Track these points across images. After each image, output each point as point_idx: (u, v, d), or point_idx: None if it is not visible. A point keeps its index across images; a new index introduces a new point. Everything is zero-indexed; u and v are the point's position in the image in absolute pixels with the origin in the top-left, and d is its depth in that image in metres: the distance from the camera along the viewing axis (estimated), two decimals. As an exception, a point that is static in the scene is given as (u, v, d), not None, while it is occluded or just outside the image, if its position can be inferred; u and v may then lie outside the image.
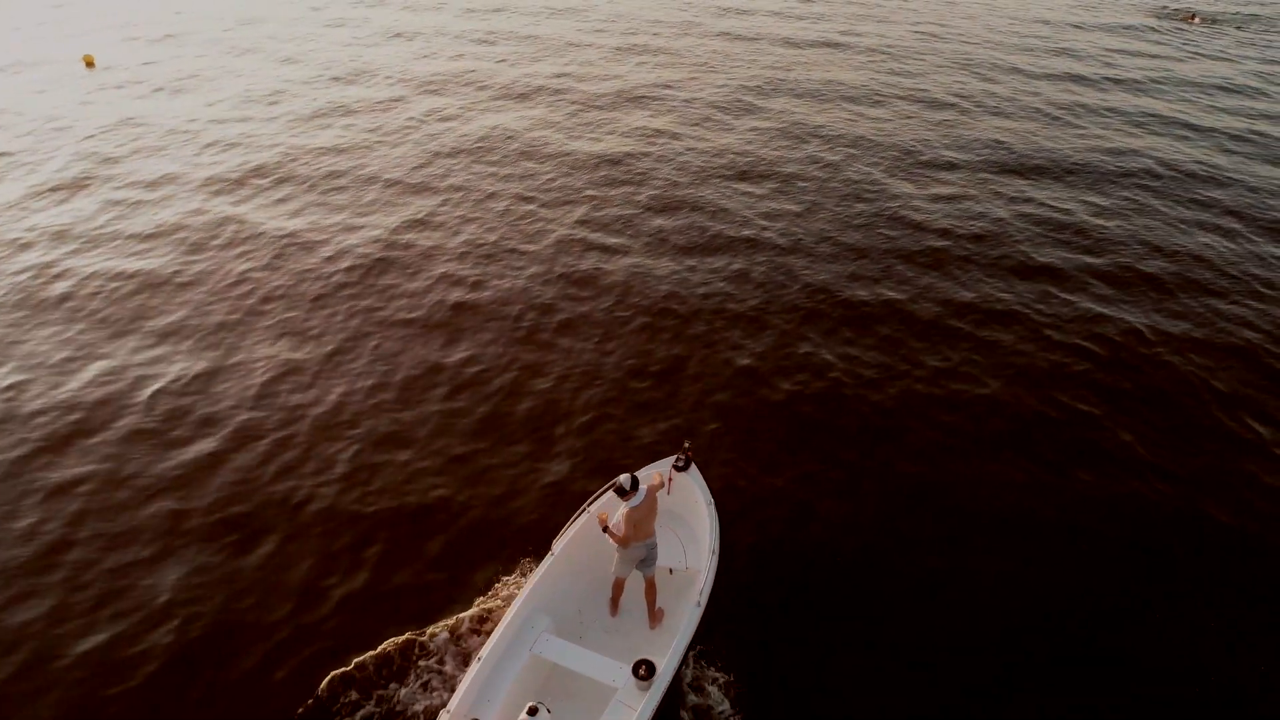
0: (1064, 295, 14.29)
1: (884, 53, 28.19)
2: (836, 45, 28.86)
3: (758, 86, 24.07)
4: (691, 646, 8.09)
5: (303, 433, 10.82)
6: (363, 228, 15.55)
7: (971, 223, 16.64)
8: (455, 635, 8.39)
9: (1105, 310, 13.90)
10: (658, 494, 8.34)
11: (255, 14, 31.59)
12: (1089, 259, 15.44)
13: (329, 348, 12.35)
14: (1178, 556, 9.58)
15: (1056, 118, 22.70)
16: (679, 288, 14.06)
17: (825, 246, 15.51)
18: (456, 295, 13.68)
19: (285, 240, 15.13)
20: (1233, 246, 16.19)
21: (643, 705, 7.31)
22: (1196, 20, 35.53)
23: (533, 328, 12.89)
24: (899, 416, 11.43)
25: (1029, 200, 17.74)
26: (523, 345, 12.54)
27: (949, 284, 14.44)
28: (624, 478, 7.93)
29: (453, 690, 7.61)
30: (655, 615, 8.60)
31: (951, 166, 19.21)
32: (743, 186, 17.79)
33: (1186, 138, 21.63)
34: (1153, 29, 32.88)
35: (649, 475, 9.18)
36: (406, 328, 12.86)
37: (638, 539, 8.14)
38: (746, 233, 15.92)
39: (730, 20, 32.17)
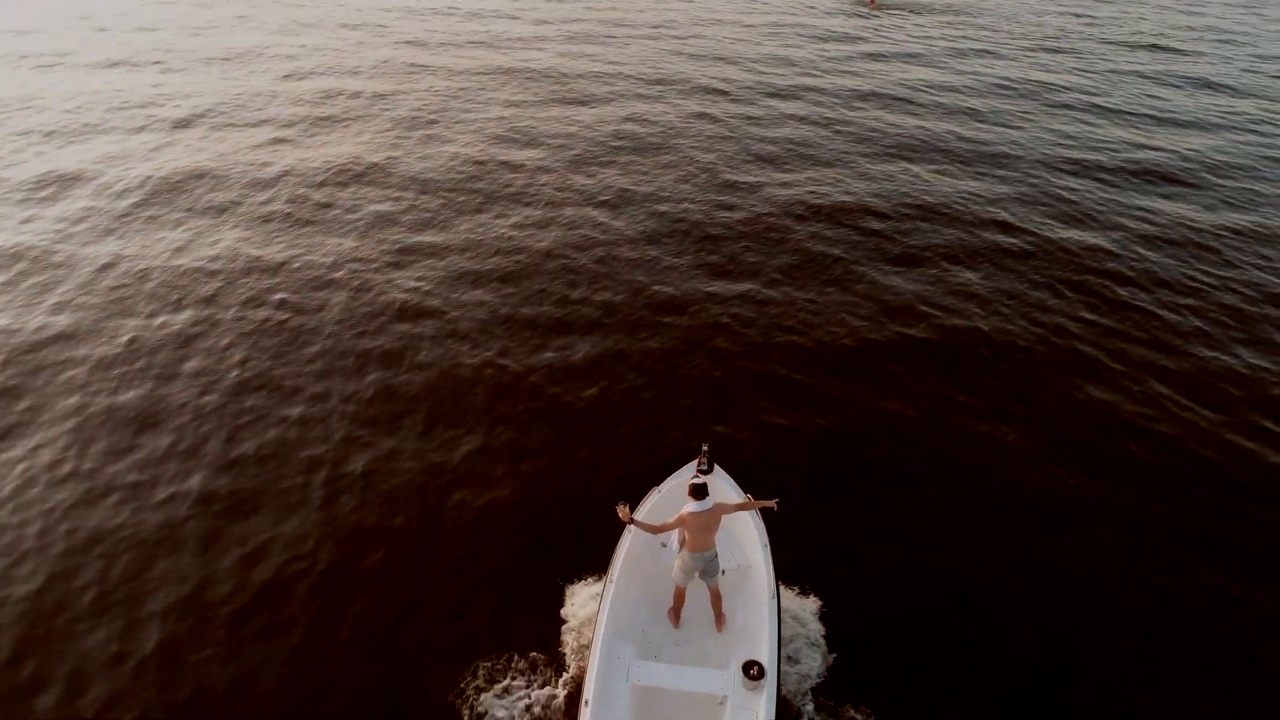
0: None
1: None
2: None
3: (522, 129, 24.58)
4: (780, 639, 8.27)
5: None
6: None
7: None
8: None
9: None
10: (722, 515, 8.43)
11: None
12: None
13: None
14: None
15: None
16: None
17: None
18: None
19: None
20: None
21: (763, 705, 7.41)
22: (874, 5, 39.93)
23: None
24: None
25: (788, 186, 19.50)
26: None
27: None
28: (700, 479, 8.07)
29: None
30: (721, 619, 8.70)
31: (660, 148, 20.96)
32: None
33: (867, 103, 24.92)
34: (843, 15, 36.48)
35: (677, 485, 9.32)
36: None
37: (697, 549, 8.21)
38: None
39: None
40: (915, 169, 20.06)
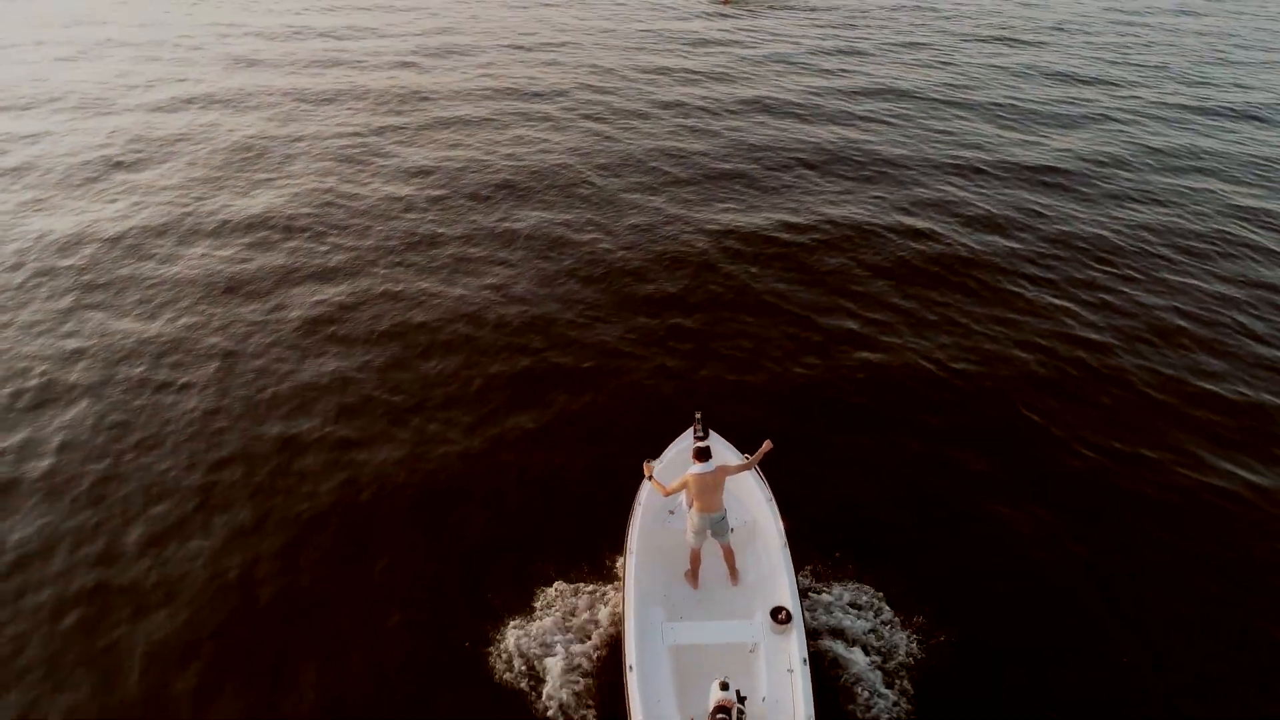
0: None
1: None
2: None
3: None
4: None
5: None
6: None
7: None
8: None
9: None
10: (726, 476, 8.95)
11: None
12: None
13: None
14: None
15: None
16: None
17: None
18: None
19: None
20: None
21: (794, 645, 8.06)
22: (729, 1, 39.97)
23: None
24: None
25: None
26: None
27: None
28: (701, 443, 8.70)
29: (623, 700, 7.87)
30: (735, 574, 9.28)
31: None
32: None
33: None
34: (701, 18, 36.85)
35: (677, 454, 9.86)
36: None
37: (706, 510, 8.75)
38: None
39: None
40: (811, 175, 20.19)
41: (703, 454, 8.81)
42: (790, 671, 8.01)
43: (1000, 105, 25.52)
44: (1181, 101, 26.25)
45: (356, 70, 28.80)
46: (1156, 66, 30.26)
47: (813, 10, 38.25)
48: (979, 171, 20.45)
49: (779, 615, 8.30)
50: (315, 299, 14.83)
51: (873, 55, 30.81)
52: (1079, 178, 20.21)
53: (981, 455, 11.42)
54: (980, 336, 13.92)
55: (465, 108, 24.95)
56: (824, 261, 16.14)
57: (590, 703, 8.25)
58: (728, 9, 38.50)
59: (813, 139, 22.41)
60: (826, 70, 28.93)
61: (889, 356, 13.41)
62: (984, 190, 19.41)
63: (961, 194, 19.15)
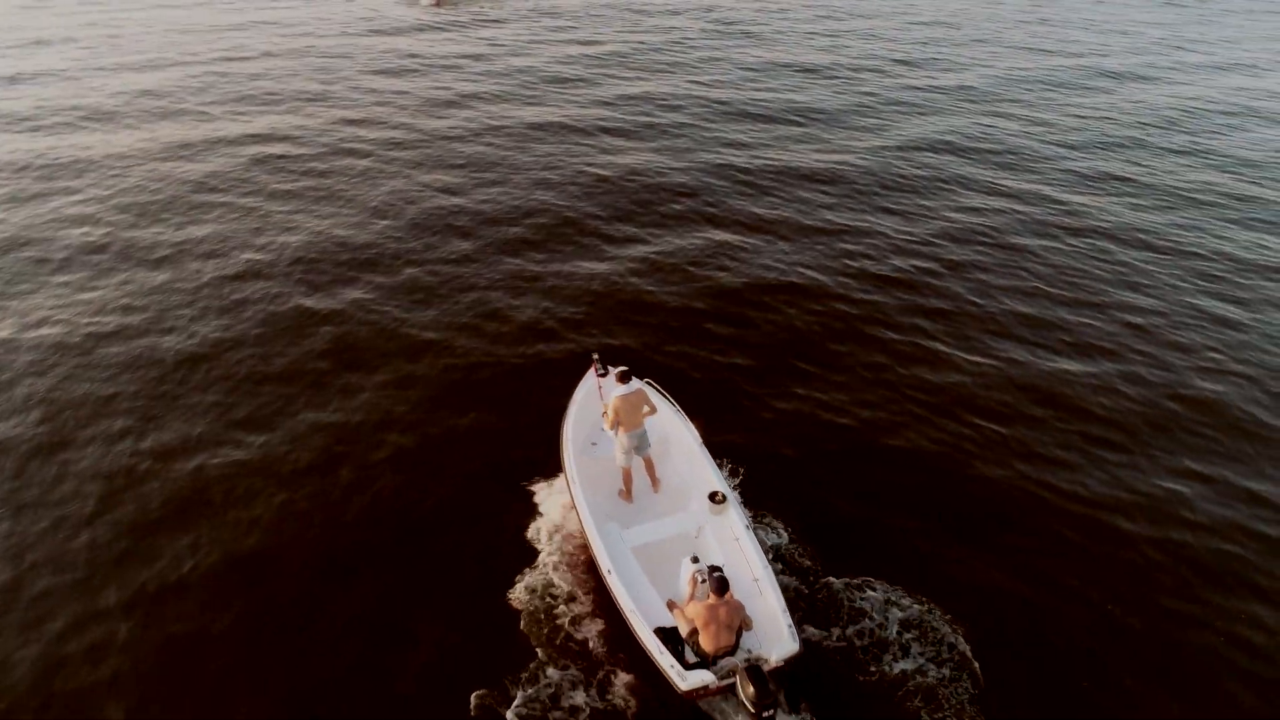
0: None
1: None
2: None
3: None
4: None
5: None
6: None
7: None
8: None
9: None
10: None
11: None
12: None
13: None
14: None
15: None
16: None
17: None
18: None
19: None
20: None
21: (735, 519, 9.75)
22: (439, 1, 40.47)
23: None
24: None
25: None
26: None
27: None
28: (621, 369, 10.09)
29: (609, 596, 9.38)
30: (657, 481, 10.77)
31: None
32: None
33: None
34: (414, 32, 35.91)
35: (586, 395, 11.15)
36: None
37: (632, 428, 10.17)
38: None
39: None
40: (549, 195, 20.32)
41: (625, 377, 10.16)
42: (737, 540, 9.65)
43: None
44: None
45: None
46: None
47: (537, 12, 39.78)
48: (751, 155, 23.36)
49: (715, 497, 9.89)
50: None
51: (602, 46, 33.13)
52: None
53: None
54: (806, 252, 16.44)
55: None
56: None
57: (586, 597, 9.63)
58: (443, 9, 38.99)
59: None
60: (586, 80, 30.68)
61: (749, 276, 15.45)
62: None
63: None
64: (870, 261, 16.90)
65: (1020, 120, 25.87)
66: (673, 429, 11.27)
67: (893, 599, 9.62)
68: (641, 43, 33.54)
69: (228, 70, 28.53)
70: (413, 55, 30.83)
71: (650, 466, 10.82)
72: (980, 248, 17.74)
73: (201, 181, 19.88)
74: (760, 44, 34.06)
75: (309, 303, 14.89)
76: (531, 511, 10.79)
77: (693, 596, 8.79)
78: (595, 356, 11.60)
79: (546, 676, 8.75)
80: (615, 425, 10.28)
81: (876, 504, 11.11)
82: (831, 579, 9.86)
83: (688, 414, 11.17)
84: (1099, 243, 18.25)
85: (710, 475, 10.47)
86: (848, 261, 16.89)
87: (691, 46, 33.45)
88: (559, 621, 9.34)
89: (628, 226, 17.98)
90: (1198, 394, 13.42)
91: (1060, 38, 37.57)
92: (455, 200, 19.12)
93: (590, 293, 15.44)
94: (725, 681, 8.21)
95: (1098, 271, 16.98)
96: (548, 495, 11.00)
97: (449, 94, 26.36)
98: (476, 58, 30.78)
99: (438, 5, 39.82)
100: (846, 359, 13.93)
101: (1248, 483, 11.67)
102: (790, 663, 8.39)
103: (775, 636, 8.60)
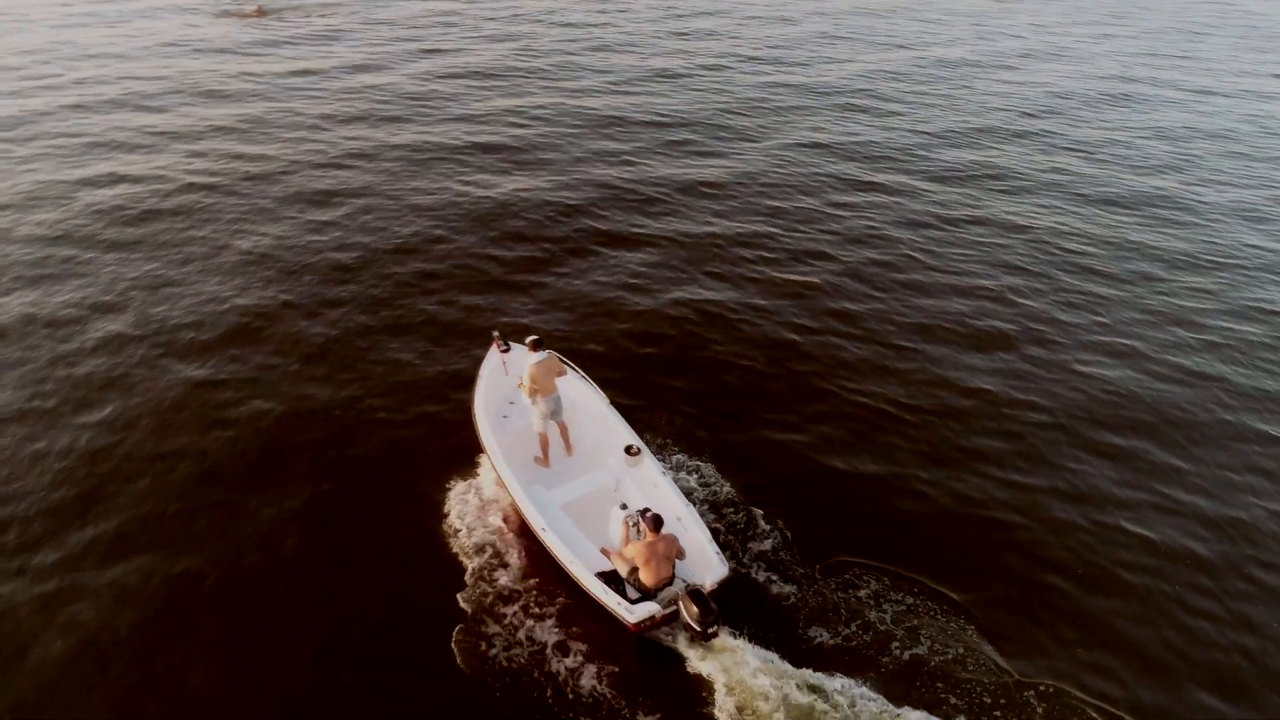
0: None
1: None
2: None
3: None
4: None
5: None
6: None
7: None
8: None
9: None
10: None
11: None
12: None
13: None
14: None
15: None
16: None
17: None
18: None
19: None
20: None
21: (650, 467, 10.42)
22: (260, 12, 38.96)
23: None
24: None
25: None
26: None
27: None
28: (533, 338, 10.57)
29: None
30: (570, 445, 11.32)
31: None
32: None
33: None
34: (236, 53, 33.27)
35: (491, 371, 11.54)
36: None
37: (548, 393, 10.68)
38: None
39: None
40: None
41: (536, 345, 10.62)
42: (655, 486, 10.33)
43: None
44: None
45: None
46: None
47: (366, 18, 38.71)
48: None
49: (630, 450, 10.53)
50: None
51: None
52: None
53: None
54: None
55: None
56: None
57: (524, 558, 10.07)
58: (263, 20, 37.51)
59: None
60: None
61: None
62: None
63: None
64: (766, 258, 17.91)
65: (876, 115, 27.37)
66: (580, 395, 11.80)
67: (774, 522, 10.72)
68: (491, 49, 33.51)
69: (34, 106, 26.43)
70: (247, 75, 29.58)
71: (564, 431, 11.32)
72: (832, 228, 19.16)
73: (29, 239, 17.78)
74: (612, 50, 34.41)
75: (193, 373, 13.82)
76: (459, 492, 11.10)
77: (628, 540, 9.37)
78: (496, 334, 12.00)
79: (498, 631, 9.19)
80: (533, 393, 10.70)
81: (769, 438, 12.13)
82: (750, 508, 10.76)
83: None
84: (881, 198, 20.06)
85: (623, 431, 11.08)
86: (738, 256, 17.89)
87: (542, 51, 33.33)
88: (501, 583, 9.75)
89: (518, 247, 17.90)
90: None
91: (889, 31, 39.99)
92: (326, 237, 17.98)
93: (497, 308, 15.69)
94: (669, 609, 8.87)
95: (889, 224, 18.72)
96: (471, 473, 11.35)
97: (298, 118, 25.21)
98: (318, 73, 29.78)
99: (259, 15, 38.23)
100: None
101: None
102: (723, 585, 9.14)
103: (706, 564, 9.32)
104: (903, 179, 21.75)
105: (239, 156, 21.98)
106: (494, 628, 9.21)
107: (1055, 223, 19.48)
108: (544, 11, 41.06)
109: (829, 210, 19.69)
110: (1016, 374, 13.88)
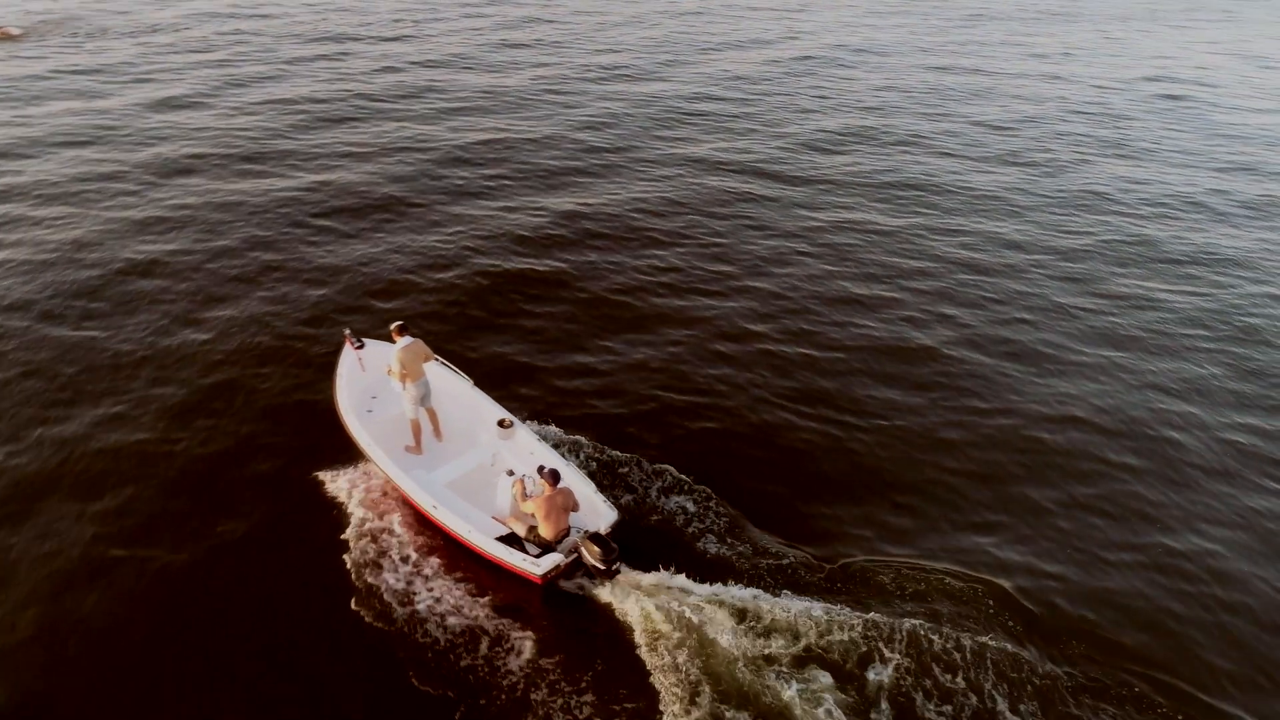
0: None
1: None
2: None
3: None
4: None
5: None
6: None
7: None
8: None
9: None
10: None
11: None
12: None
13: None
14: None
15: None
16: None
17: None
18: None
19: None
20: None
21: (525, 438, 10.95)
22: (14, 33, 35.16)
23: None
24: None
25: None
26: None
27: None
28: (398, 323, 10.79)
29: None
30: (440, 431, 11.61)
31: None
32: None
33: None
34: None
35: (349, 369, 11.63)
36: None
37: (417, 378, 10.90)
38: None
39: None
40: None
41: (402, 330, 10.80)
42: (533, 453, 10.83)
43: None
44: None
45: None
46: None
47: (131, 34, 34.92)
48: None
49: (503, 423, 10.97)
50: None
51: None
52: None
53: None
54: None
55: None
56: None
57: (418, 539, 10.30)
58: (23, 43, 32.98)
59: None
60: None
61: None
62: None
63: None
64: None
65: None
66: (444, 382, 12.02)
67: (662, 469, 11.57)
68: (292, 63, 31.31)
69: None
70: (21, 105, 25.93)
71: (434, 417, 11.51)
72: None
73: None
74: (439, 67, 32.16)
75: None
76: (342, 489, 11.08)
77: (525, 498, 9.76)
78: (347, 331, 11.96)
79: (410, 613, 9.40)
80: (404, 378, 10.78)
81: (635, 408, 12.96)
82: (619, 456, 11.53)
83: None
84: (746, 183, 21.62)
85: (492, 409, 11.43)
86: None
87: (364, 74, 30.59)
88: (403, 569, 9.92)
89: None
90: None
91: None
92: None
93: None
94: (572, 556, 9.43)
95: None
96: (346, 467, 11.38)
97: (91, 171, 21.58)
98: (107, 111, 26.30)
99: (12, 40, 33.49)
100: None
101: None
102: (614, 527, 9.81)
103: (596, 513, 9.97)
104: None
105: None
106: (404, 610, 9.40)
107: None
108: (360, 25, 39.21)
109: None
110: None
